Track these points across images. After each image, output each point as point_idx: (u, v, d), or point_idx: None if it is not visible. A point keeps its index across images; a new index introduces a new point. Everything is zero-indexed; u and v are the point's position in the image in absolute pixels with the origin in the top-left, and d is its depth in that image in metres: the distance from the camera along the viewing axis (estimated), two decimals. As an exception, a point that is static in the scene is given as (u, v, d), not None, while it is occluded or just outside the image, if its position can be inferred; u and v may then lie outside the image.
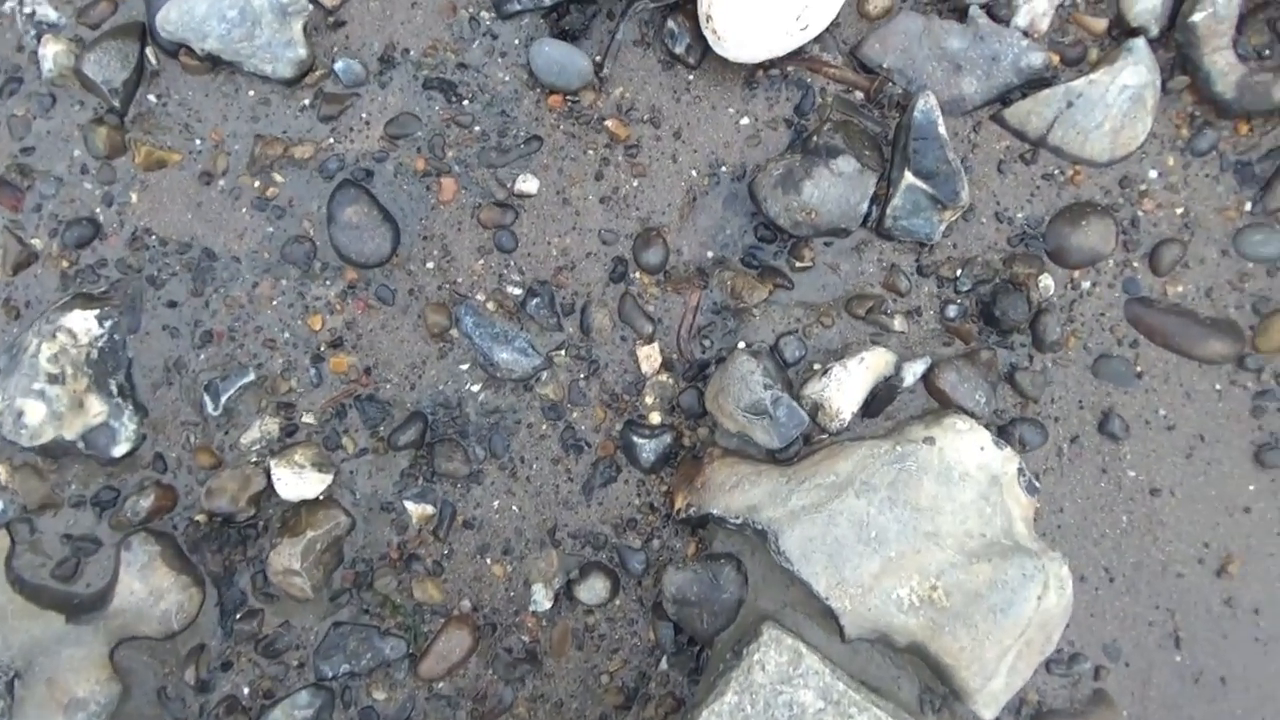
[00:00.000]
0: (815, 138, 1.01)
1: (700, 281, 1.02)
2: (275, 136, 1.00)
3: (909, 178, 0.98)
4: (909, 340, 1.02)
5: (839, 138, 1.00)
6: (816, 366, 1.00)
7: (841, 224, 0.99)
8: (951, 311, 1.02)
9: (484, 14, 1.02)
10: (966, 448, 0.92)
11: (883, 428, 0.99)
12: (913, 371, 0.98)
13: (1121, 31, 1.04)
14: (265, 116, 1.00)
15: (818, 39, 1.04)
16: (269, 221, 1.00)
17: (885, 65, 1.03)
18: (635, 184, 1.03)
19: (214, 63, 0.99)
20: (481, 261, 1.01)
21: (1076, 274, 1.03)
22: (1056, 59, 1.03)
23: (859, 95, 1.04)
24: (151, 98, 1.00)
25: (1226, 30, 1.00)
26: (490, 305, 1.00)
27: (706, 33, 0.99)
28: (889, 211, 1.00)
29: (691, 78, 1.04)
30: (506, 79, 1.02)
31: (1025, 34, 1.02)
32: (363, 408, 0.99)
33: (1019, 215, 1.04)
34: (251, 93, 1.00)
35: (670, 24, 1.03)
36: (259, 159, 1.00)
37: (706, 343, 1.02)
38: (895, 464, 0.90)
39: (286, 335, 0.99)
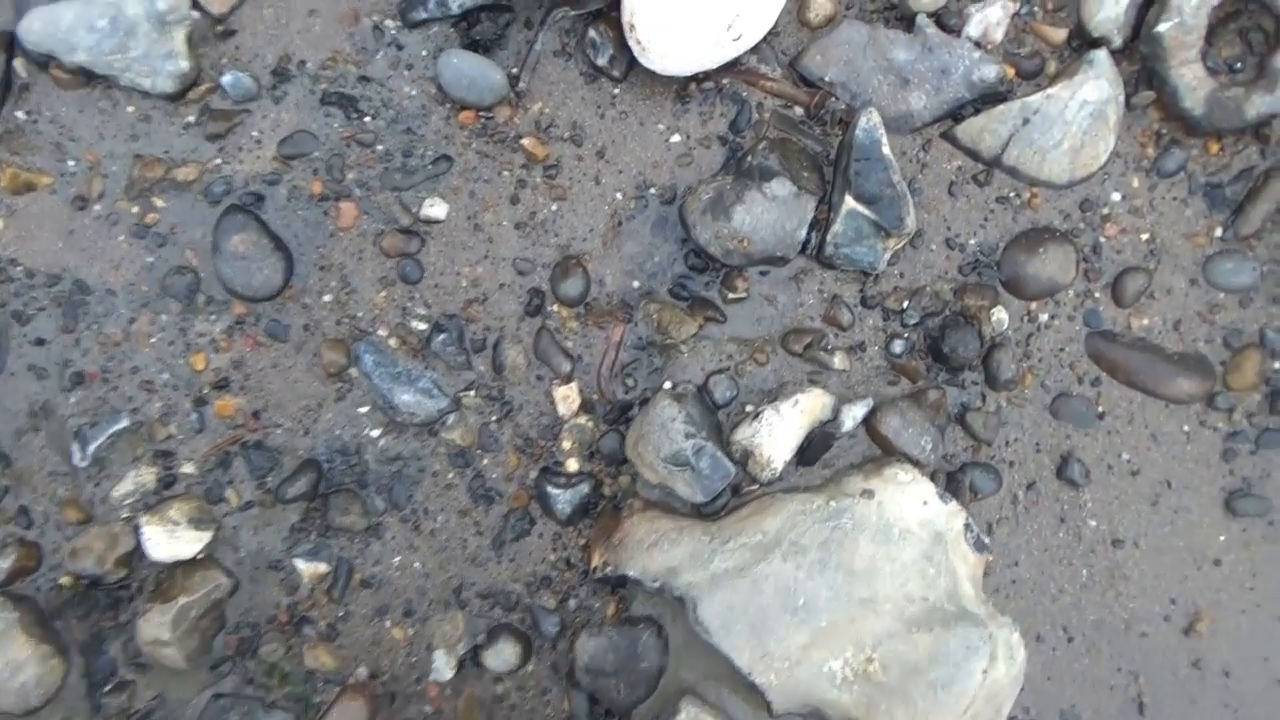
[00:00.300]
0: (749, 158, 0.92)
1: (624, 315, 0.93)
2: (156, 157, 0.91)
3: (850, 202, 0.90)
4: (851, 379, 0.93)
5: (774, 158, 0.91)
6: (749, 408, 0.92)
7: (777, 252, 0.91)
8: (897, 347, 0.93)
9: (389, 22, 0.93)
10: (908, 502, 0.83)
11: (819, 477, 0.90)
12: (852, 415, 0.89)
13: (1082, 43, 0.96)
14: (146, 135, 0.91)
15: (754, 49, 0.96)
16: (148, 251, 0.91)
17: (827, 78, 0.95)
18: (554, 208, 0.94)
19: (88, 76, 0.90)
20: (384, 294, 0.92)
21: (1034, 305, 0.95)
22: (1012, 72, 0.95)
23: (799, 111, 0.96)
24: (20, 114, 0.91)
25: (1195, 42, 0.92)
26: (393, 342, 0.91)
27: (631, 43, 0.91)
28: (829, 238, 0.91)
29: (617, 92, 0.95)
30: (413, 93, 0.93)
31: (978, 45, 0.94)
32: (249, 456, 0.90)
33: (971, 241, 0.95)
34: (130, 109, 0.91)
35: (592, 34, 0.94)
36: (138, 182, 0.91)
37: (630, 382, 0.93)
38: (828, 521, 0.82)
39: (166, 376, 0.90)
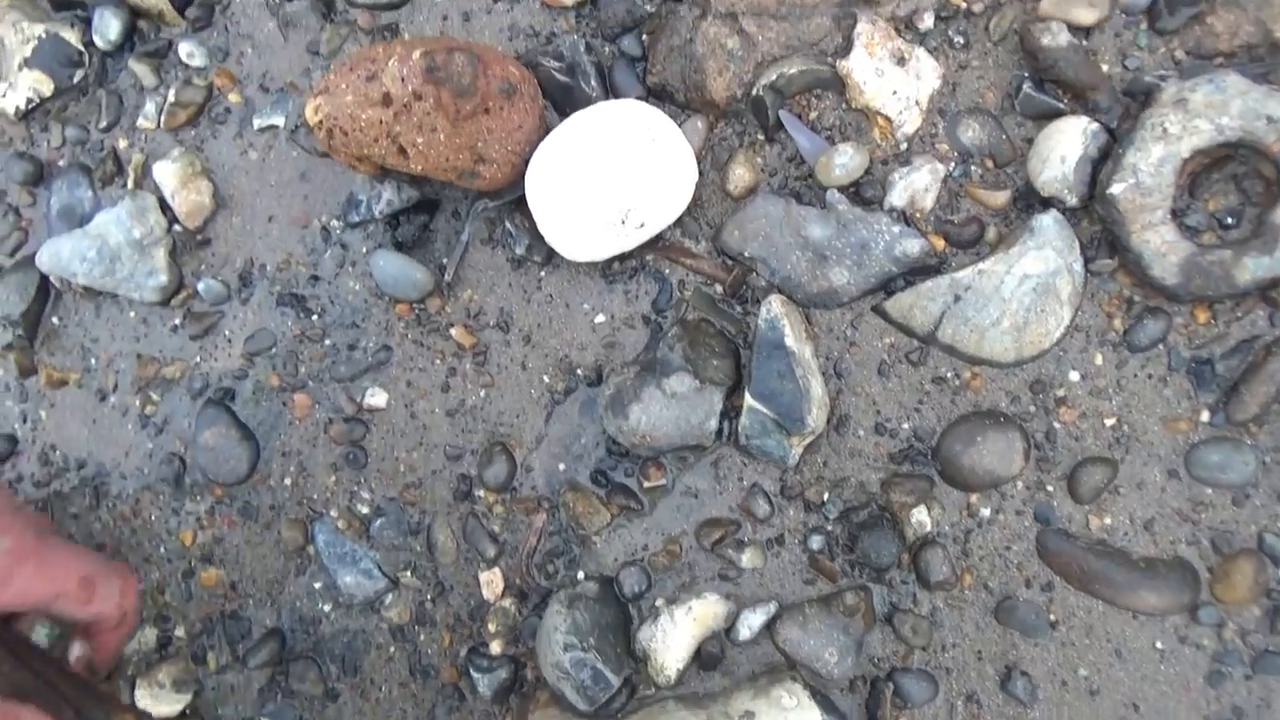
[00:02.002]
0: (659, 345, 0.89)
1: (547, 501, 0.94)
2: (152, 356, 1.03)
3: (749, 400, 0.85)
4: (764, 576, 0.88)
5: (680, 348, 0.88)
6: (659, 603, 0.90)
7: (686, 443, 0.88)
8: (815, 543, 0.87)
9: (334, 223, 0.99)
10: (782, 734, 0.78)
11: (718, 685, 0.86)
12: (748, 625, 0.85)
13: (1030, 203, 0.84)
14: (145, 336, 1.03)
15: (678, 224, 0.92)
16: (149, 439, 1.03)
17: (746, 254, 0.89)
18: (483, 394, 0.96)
19: (96, 291, 1.03)
20: (334, 478, 0.99)
21: (974, 498, 0.85)
22: (940, 243, 0.85)
23: (720, 288, 0.92)
24: (55, 320, 1.06)
25: (1160, 203, 0.78)
26: (341, 523, 0.98)
27: (544, 234, 0.91)
28: (740, 429, 0.87)
29: (543, 274, 0.95)
30: (357, 288, 0.99)
31: (902, 216, 0.85)
32: (225, 623, 1.01)
33: (904, 426, 0.87)
34: (132, 314, 1.04)
35: (508, 225, 0.95)
36: (138, 379, 1.03)
37: (551, 568, 0.94)
38: (693, 753, 0.79)
39: (162, 550, 1.03)
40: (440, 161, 0.85)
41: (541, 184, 0.88)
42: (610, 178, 0.86)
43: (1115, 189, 0.78)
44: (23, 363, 1.06)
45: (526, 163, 0.89)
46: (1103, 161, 0.80)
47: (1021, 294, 0.81)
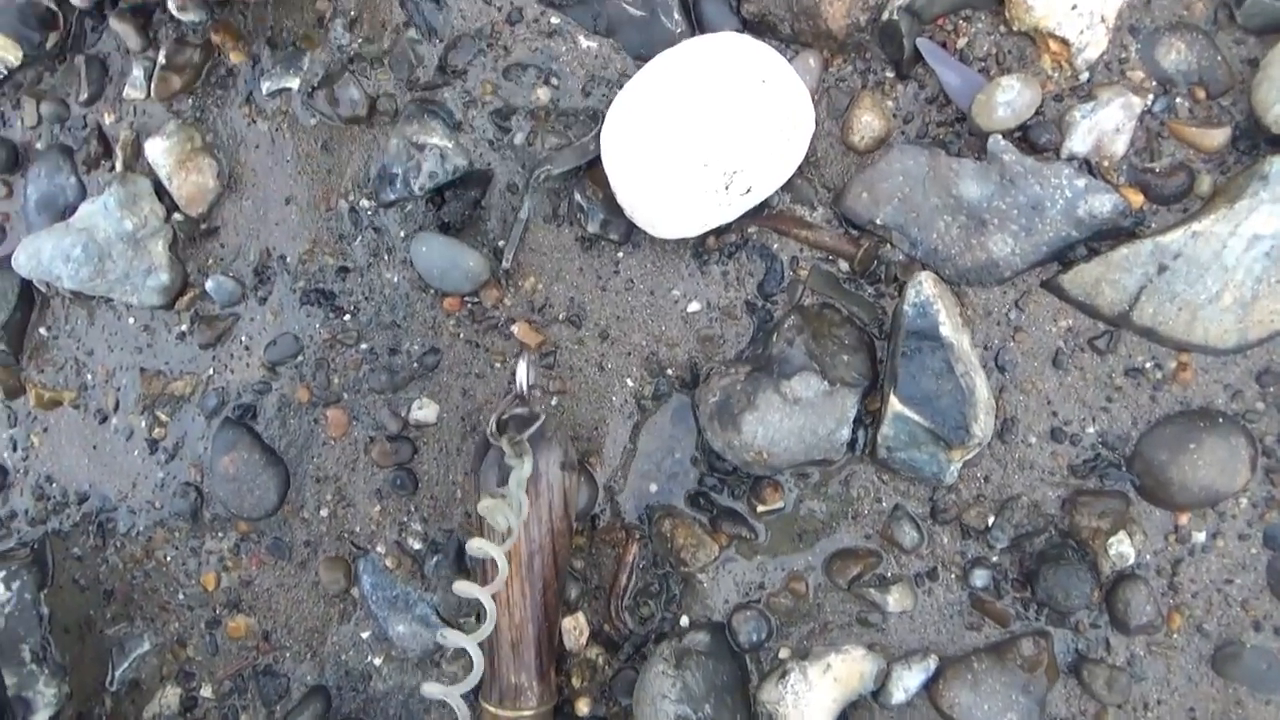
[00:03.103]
0: (773, 339, 0.72)
1: (638, 530, 0.77)
2: (158, 370, 0.86)
3: (895, 404, 0.67)
4: (915, 621, 0.71)
5: (800, 341, 0.70)
6: (784, 654, 0.73)
7: (811, 458, 0.70)
8: (979, 579, 0.70)
9: (365, 203, 0.81)
10: (963, 834, 0.62)
11: (867, 759, 0.70)
12: (903, 685, 0.67)
13: (1255, 144, 0.65)
14: (149, 346, 0.86)
15: (787, 187, 0.74)
16: (160, 467, 0.87)
17: (878, 221, 0.71)
18: (554, 403, 0.79)
19: (86, 296, 0.86)
20: (379, 507, 0.82)
21: (1184, 519, 0.67)
22: (1138, 199, 0.66)
23: (844, 265, 0.73)
24: (42, 331, 0.90)
25: None
26: (390, 561, 0.82)
27: (623, 206, 0.73)
28: (880, 440, 0.69)
29: (621, 256, 0.78)
30: (395, 280, 0.81)
31: (1086, 166, 0.66)
32: (260, 680, 0.85)
33: (1089, 430, 0.69)
34: (132, 321, 0.87)
35: (578, 197, 0.77)
36: (143, 396, 0.87)
37: (646, 611, 0.77)
38: None
39: (181, 596, 0.86)
40: None
41: (620, 143, 0.70)
42: (707, 132, 0.67)
43: (1384, 118, 0.59)
44: (8, 382, 0.90)
45: None
46: (1362, 83, 0.61)
47: (1250, 260, 0.63)
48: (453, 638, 0.57)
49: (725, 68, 0.68)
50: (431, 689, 0.55)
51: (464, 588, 0.59)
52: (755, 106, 0.67)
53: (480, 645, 0.73)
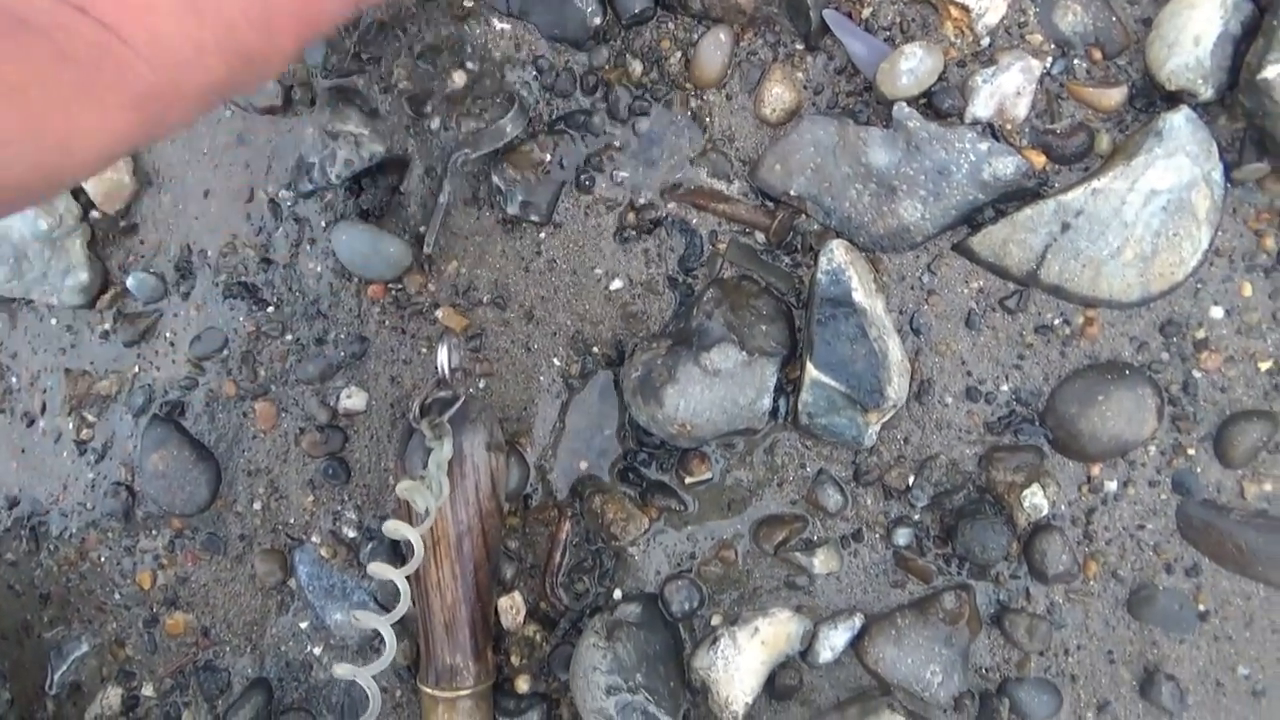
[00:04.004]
0: (694, 313, 0.72)
1: (570, 508, 0.77)
2: (83, 370, 0.84)
3: (812, 371, 0.68)
4: (843, 581, 0.72)
5: (719, 313, 0.70)
6: (716, 621, 0.73)
7: (735, 428, 0.71)
8: (902, 537, 0.70)
9: (284, 193, 0.80)
10: (893, 782, 0.63)
11: (797, 716, 0.71)
12: (830, 644, 0.68)
13: (1151, 101, 0.66)
14: (73, 347, 0.85)
15: (704, 159, 0.74)
16: (89, 467, 0.85)
17: (793, 192, 0.71)
18: (482, 385, 0.79)
19: (5, 299, 0.85)
20: (312, 497, 0.81)
21: (1096, 470, 0.68)
22: (1041, 160, 0.67)
23: (761, 238, 0.74)
24: (-36, 335, 0.88)
25: (1325, 84, 0.60)
26: (326, 551, 0.81)
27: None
28: (801, 407, 0.70)
29: (543, 237, 0.77)
30: (319, 270, 0.80)
31: (989, 129, 0.67)
32: (200, 676, 0.84)
33: (1003, 388, 0.70)
34: (54, 321, 0.85)
35: (496, 180, 0.76)
36: (70, 397, 0.85)
37: (580, 586, 0.77)
38: (778, 816, 0.63)
39: (117, 596, 0.85)
40: None
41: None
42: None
43: (1269, 72, 0.60)
44: (-70, 388, 0.88)
45: None
46: (1249, 39, 0.62)
47: (1148, 215, 0.64)
48: (365, 619, 0.57)
49: None
50: (342, 670, 0.54)
51: (378, 569, 0.58)
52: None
53: (416, 627, 0.73)
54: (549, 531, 0.77)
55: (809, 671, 0.70)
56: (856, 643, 0.69)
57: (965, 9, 0.67)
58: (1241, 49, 0.62)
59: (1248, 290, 0.65)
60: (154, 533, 0.84)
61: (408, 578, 0.61)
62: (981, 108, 0.66)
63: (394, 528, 0.61)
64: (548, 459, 0.77)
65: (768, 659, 0.68)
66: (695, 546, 0.74)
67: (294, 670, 0.82)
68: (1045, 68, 0.66)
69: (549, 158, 0.76)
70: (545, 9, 0.76)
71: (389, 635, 0.57)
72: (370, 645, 0.80)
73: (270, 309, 0.80)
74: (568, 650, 0.76)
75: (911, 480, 0.70)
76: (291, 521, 0.81)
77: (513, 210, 0.76)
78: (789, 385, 0.71)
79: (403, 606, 0.58)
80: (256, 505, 0.82)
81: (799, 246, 0.72)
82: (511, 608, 0.77)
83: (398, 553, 0.79)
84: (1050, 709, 0.69)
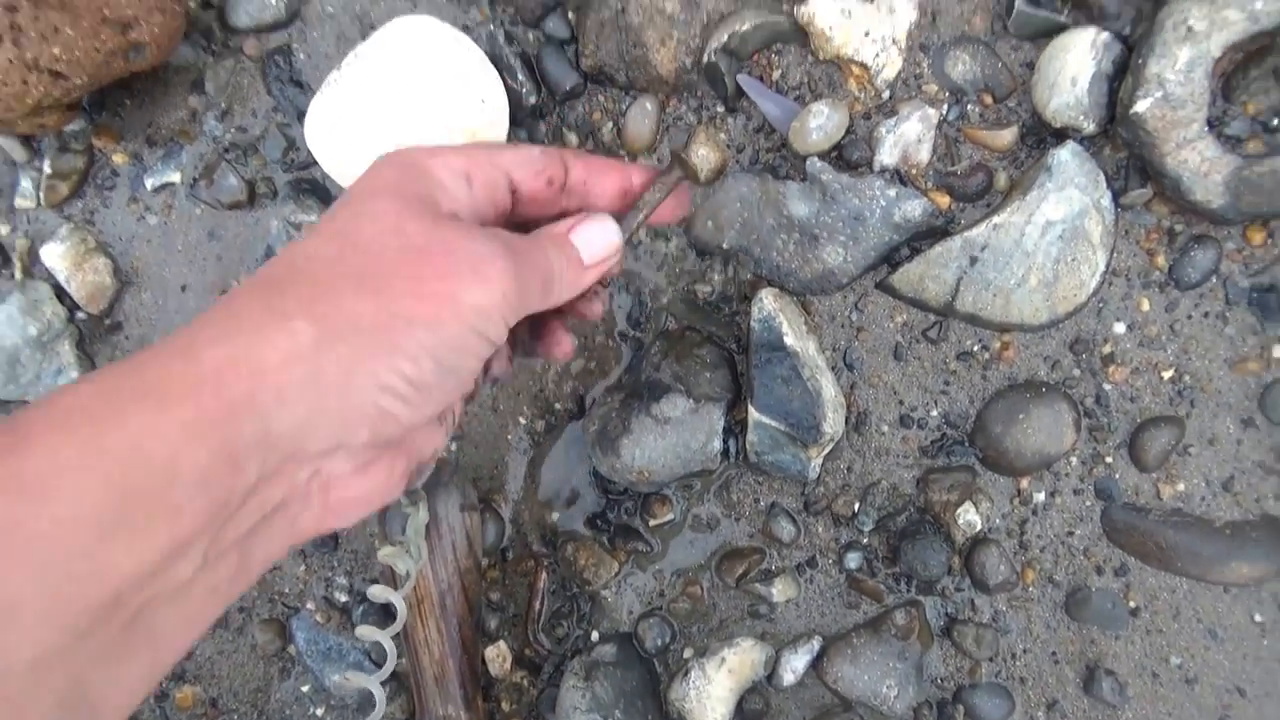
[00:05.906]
0: (644, 367, 0.77)
1: (545, 558, 0.81)
2: (79, 462, 0.90)
3: (754, 413, 0.72)
4: (802, 607, 0.76)
5: (665, 365, 0.75)
6: (688, 654, 0.77)
7: (690, 470, 0.75)
8: (853, 561, 0.75)
9: (255, 282, 0.86)
10: (853, 798, 0.67)
11: (770, 739, 0.75)
12: (791, 667, 0.72)
13: (1041, 138, 0.71)
14: (68, 441, 0.90)
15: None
16: (92, 553, 0.90)
17: (725, 246, 0.76)
18: (454, 447, 0.83)
19: (3, 402, 0.89)
20: (304, 566, 0.86)
21: (1025, 483, 0.73)
22: (945, 200, 0.72)
23: (702, 290, 0.79)
24: (-34, 439, 0.93)
25: (1193, 115, 0.65)
26: (320, 617, 0.85)
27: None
28: (749, 446, 0.74)
29: (499, 303, 0.82)
30: (293, 351, 0.85)
31: (896, 175, 0.72)
32: (211, 746, 0.88)
33: (933, 413, 0.74)
34: (49, 419, 0.90)
35: (449, 255, 0.81)
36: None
37: (560, 631, 0.81)
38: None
39: (127, 675, 0.90)
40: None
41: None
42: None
43: (1140, 106, 0.65)
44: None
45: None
46: (1120, 77, 0.67)
47: (1046, 244, 0.69)
48: (355, 679, 0.61)
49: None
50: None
51: (365, 632, 0.63)
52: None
53: (409, 680, 0.78)
54: (528, 581, 0.81)
55: (775, 695, 0.75)
56: (816, 664, 0.73)
57: (864, 66, 0.72)
58: (1115, 86, 0.67)
59: (1145, 305, 0.70)
60: (158, 611, 0.88)
61: (395, 637, 0.66)
62: (887, 155, 0.71)
63: (378, 592, 0.65)
64: (521, 513, 0.81)
65: (735, 686, 0.72)
66: (664, 584, 0.79)
67: (299, 731, 0.86)
68: (942, 114, 0.71)
69: (498, 231, 0.81)
70: (483, 93, 0.81)
71: (379, 693, 0.61)
72: (369, 702, 0.85)
73: (250, 392, 0.85)
74: (554, 693, 0.80)
75: (857, 506, 0.75)
76: (287, 590, 0.86)
77: (468, 283, 0.81)
78: (737, 426, 0.76)
79: (390, 665, 0.62)
80: (252, 577, 0.86)
81: (734, 295, 0.77)
82: (498, 656, 0.82)
83: (388, 613, 0.83)
84: (1004, 711, 0.73)
